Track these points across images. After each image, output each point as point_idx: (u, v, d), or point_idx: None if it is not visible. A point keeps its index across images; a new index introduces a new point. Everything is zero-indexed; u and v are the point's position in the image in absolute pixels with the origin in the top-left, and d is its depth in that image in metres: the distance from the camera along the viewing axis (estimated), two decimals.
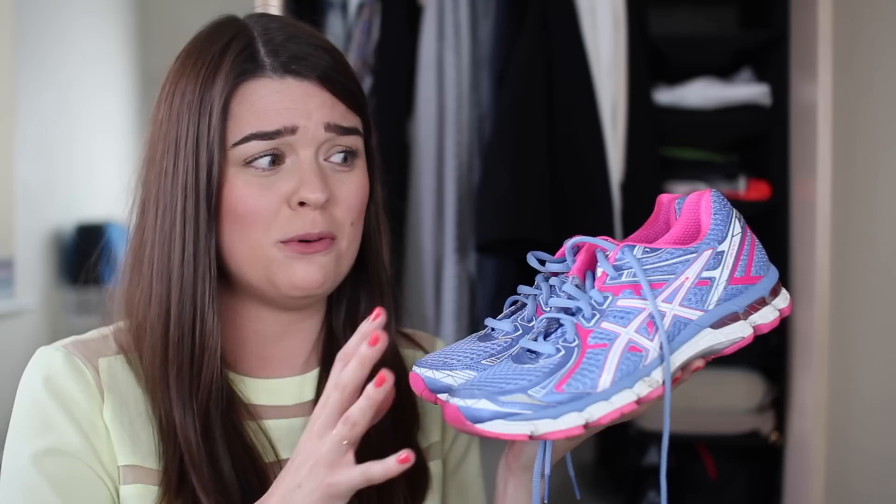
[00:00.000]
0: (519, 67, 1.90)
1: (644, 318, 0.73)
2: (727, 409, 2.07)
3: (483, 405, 0.69)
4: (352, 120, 0.85)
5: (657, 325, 0.72)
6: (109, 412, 0.82)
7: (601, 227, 1.90)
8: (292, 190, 0.82)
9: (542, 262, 0.82)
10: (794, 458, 2.01)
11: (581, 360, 0.71)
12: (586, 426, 0.69)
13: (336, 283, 0.87)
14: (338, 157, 0.84)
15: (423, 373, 0.80)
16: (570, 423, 0.69)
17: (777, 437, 2.06)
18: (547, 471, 0.79)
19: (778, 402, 2.08)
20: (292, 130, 0.81)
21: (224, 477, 0.81)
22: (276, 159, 0.82)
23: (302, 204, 0.82)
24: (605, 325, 0.73)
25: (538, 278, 0.82)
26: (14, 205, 3.35)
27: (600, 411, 0.70)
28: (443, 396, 0.77)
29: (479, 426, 0.69)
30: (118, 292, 0.88)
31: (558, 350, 0.72)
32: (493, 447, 1.12)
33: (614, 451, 2.25)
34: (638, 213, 1.95)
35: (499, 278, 1.94)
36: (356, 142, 0.86)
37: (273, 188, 0.82)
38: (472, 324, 1.99)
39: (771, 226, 2.05)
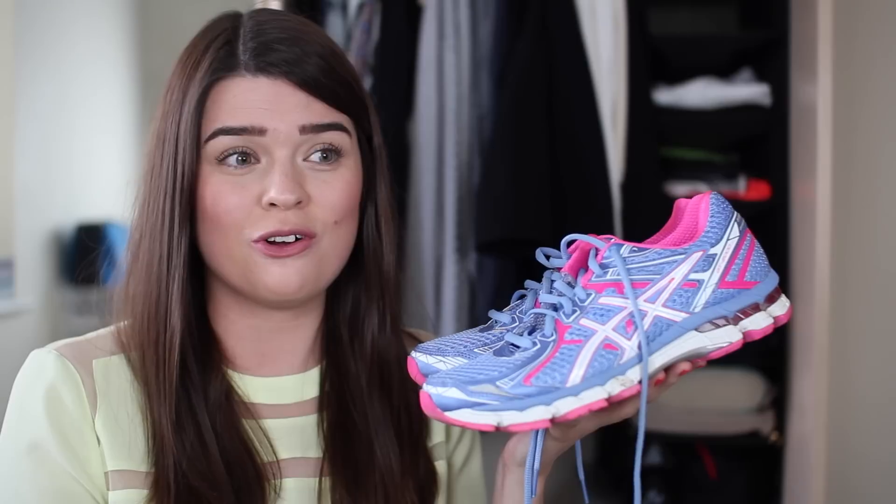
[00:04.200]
0: (519, 67, 1.90)
1: (624, 316, 0.72)
2: (727, 409, 2.07)
3: (452, 394, 0.69)
4: (333, 116, 0.83)
5: (636, 324, 0.72)
6: (102, 418, 0.82)
7: (601, 226, 1.90)
8: (263, 190, 0.81)
9: (550, 259, 0.82)
10: (794, 458, 2.01)
11: (553, 355, 0.71)
12: (553, 420, 0.69)
13: (319, 286, 0.85)
14: (317, 157, 0.83)
15: (417, 357, 0.81)
16: (536, 416, 0.68)
17: (777, 437, 2.06)
18: (536, 466, 0.79)
19: (778, 402, 2.08)
20: (261, 131, 0.80)
21: (217, 475, 0.81)
22: (249, 158, 0.81)
23: (273, 205, 0.81)
24: (583, 321, 0.73)
25: (545, 274, 0.81)
26: (14, 205, 3.35)
27: (567, 406, 0.69)
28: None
29: (448, 414, 0.69)
30: (119, 289, 0.88)
31: (535, 344, 0.72)
32: (495, 447, 1.12)
33: (614, 451, 2.26)
34: (638, 213, 1.96)
35: (499, 278, 1.94)
36: (338, 138, 0.84)
37: (246, 187, 0.81)
38: (472, 324, 1.99)
39: (771, 226, 2.05)
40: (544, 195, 1.86)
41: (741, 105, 2.07)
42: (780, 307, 0.77)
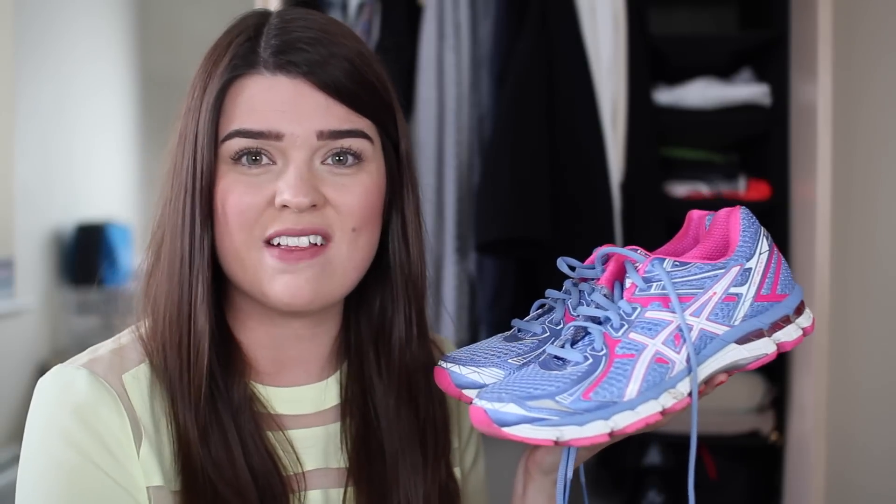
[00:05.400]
0: (519, 67, 1.90)
1: (672, 330, 0.74)
2: (727, 409, 2.07)
3: (510, 409, 0.69)
4: (354, 122, 0.80)
5: (684, 338, 0.73)
6: (138, 432, 0.79)
7: (601, 226, 1.90)
8: (277, 191, 0.78)
9: (572, 269, 0.82)
10: (794, 458, 2.01)
11: (609, 370, 0.72)
12: (611, 434, 0.70)
13: (333, 297, 0.82)
14: (333, 160, 0.80)
15: (449, 368, 0.80)
16: (596, 430, 0.70)
17: (777, 437, 2.06)
18: (569, 475, 0.79)
19: (778, 402, 2.08)
20: (277, 136, 0.78)
21: (243, 484, 0.79)
22: (265, 159, 0.79)
23: (286, 207, 0.78)
24: (633, 335, 0.74)
25: (567, 283, 0.82)
26: (14, 205, 3.35)
27: (626, 420, 0.70)
28: (468, 393, 0.78)
29: (506, 429, 0.69)
30: (140, 289, 0.85)
31: (586, 358, 0.73)
32: (500, 450, 1.12)
33: (614, 451, 2.25)
34: (638, 213, 1.96)
35: (499, 278, 1.94)
36: (357, 144, 0.80)
37: (260, 188, 0.78)
38: (472, 324, 1.99)
39: (771, 226, 2.04)
40: (544, 195, 1.86)
41: (741, 105, 2.07)
42: (807, 318, 0.81)
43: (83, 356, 0.83)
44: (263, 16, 0.83)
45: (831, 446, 1.91)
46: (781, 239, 2.04)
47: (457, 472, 0.94)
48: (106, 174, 4.36)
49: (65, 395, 0.78)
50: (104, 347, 0.84)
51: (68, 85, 3.93)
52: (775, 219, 2.06)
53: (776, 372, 2.07)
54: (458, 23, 1.98)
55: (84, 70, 4.13)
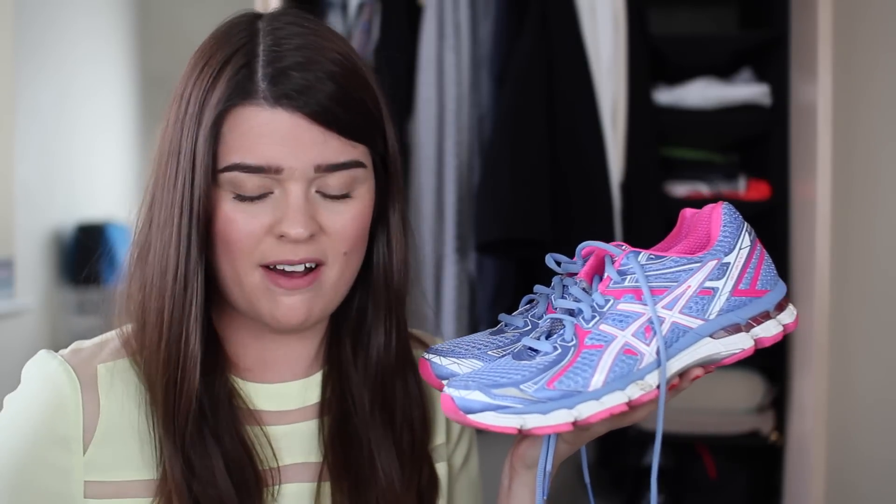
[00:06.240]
0: (519, 67, 1.90)
1: (642, 322, 0.74)
2: (727, 409, 2.07)
3: (476, 397, 0.70)
4: (349, 153, 0.81)
5: (655, 330, 0.73)
6: (103, 425, 0.82)
7: (601, 226, 1.91)
8: (275, 221, 0.80)
9: (559, 264, 0.83)
10: (794, 458, 2.01)
11: (575, 359, 0.72)
12: (575, 423, 0.70)
13: (326, 313, 0.85)
14: (332, 190, 0.82)
15: (430, 359, 0.82)
16: (559, 419, 0.70)
17: (777, 437, 2.06)
18: (548, 468, 0.80)
19: (778, 402, 2.08)
20: (277, 171, 0.79)
21: (220, 483, 0.81)
22: (263, 191, 0.80)
23: (284, 236, 0.80)
24: (603, 326, 0.74)
25: (555, 279, 0.83)
26: (14, 205, 3.35)
27: (590, 410, 0.71)
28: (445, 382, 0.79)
29: (471, 417, 0.70)
30: (121, 290, 0.87)
31: (555, 348, 0.74)
32: (494, 447, 1.12)
33: (614, 451, 2.25)
34: (638, 212, 1.96)
35: (499, 278, 1.94)
36: (353, 174, 0.82)
37: (258, 216, 0.80)
38: (472, 324, 1.99)
39: (771, 226, 2.05)
40: (544, 195, 1.87)
41: (741, 105, 2.07)
42: (789, 315, 0.80)
43: (70, 346, 0.87)
44: (252, 25, 0.83)
45: (831, 446, 1.91)
46: (781, 239, 2.04)
47: (441, 467, 0.95)
48: (106, 174, 4.36)
49: (31, 374, 0.84)
50: (92, 340, 0.88)
51: (68, 85, 3.93)
52: (775, 219, 2.06)
53: (776, 372, 2.07)
54: (458, 23, 1.98)
55: (84, 70, 4.13)
